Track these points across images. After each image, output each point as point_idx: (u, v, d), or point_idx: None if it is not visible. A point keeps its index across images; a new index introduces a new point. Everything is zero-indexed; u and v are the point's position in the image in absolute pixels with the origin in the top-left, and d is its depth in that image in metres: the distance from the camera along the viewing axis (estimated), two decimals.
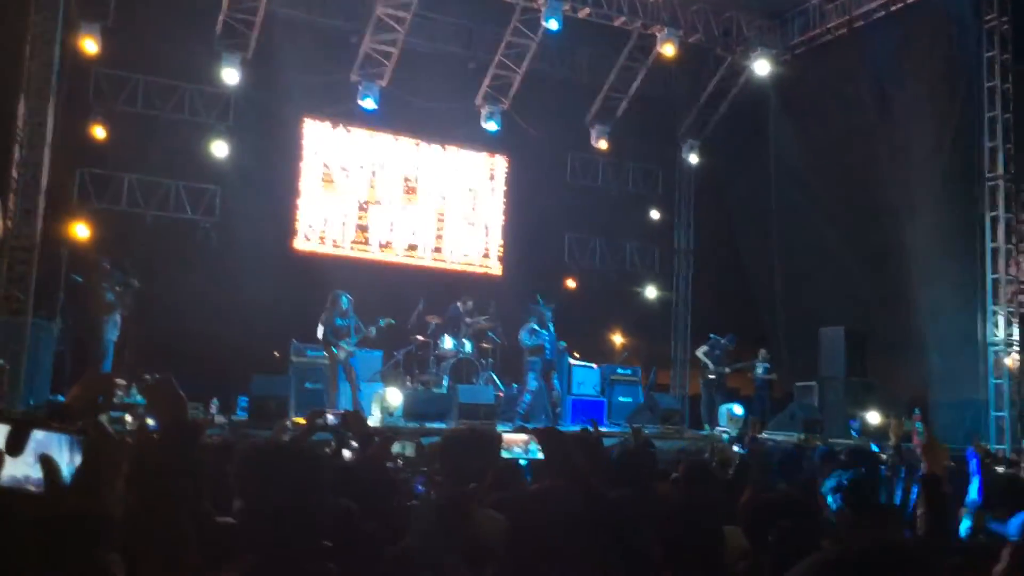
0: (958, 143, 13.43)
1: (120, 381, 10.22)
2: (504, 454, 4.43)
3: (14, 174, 10.81)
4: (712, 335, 14.60)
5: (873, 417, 12.62)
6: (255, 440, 4.89)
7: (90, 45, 12.76)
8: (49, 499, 1.49)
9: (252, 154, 14.33)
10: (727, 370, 14.54)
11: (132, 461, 1.66)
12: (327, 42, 14.91)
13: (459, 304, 13.89)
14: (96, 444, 1.56)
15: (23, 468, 1.55)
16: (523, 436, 4.35)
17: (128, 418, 6.94)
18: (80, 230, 13.02)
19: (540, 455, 3.53)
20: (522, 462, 4.70)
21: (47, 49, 11.03)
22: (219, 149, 14.14)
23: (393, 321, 12.83)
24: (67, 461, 1.55)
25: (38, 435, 1.56)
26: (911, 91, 13.77)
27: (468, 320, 13.91)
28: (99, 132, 13.49)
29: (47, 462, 1.51)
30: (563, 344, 13.74)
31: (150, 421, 2.12)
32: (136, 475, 1.66)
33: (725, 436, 11.52)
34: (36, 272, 10.84)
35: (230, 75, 13.85)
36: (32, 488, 1.52)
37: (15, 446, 1.54)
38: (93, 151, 13.54)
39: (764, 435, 11.93)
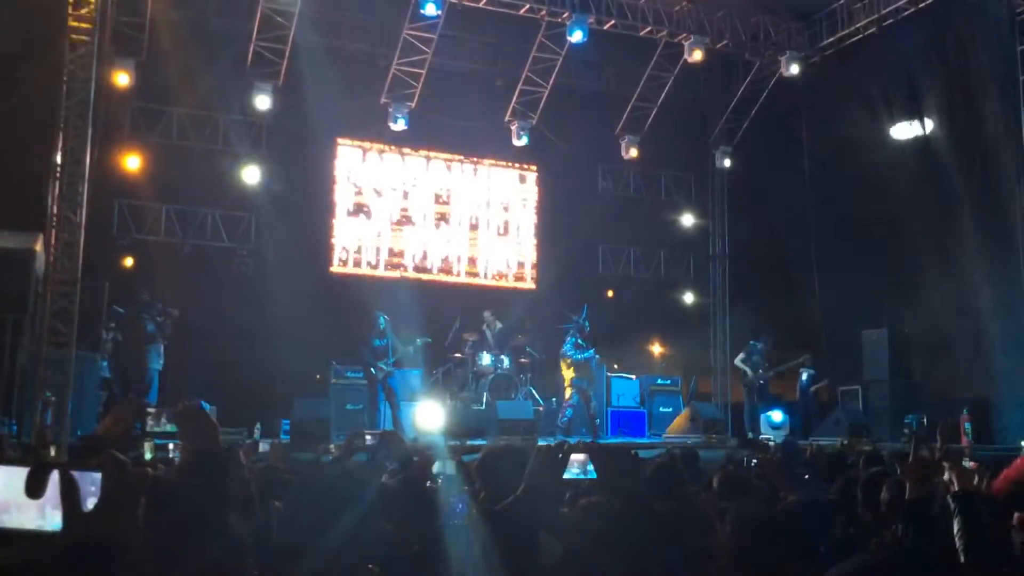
0: (996, 138, 13.15)
1: (150, 409, 10.37)
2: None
3: (54, 209, 11.01)
4: (751, 342, 14.41)
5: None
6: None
7: (124, 80, 13.04)
8: (68, 531, 1.51)
9: (285, 180, 14.52)
10: (770, 374, 14.20)
11: (162, 488, 1.67)
12: (356, 66, 15.04)
13: (484, 325, 13.95)
14: (114, 477, 1.57)
15: (46, 510, 1.57)
16: (581, 456, 4.25)
17: (171, 446, 7.02)
18: (121, 262, 13.24)
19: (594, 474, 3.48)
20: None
21: (83, 86, 11.24)
22: (252, 176, 14.31)
23: (430, 340, 12.89)
24: (90, 495, 1.57)
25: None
26: (943, 87, 13.54)
27: (492, 332, 13.91)
28: (135, 164, 13.76)
29: (67, 495, 1.53)
30: (598, 356, 13.67)
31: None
32: (165, 502, 1.68)
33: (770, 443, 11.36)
34: (79, 305, 11.00)
35: (262, 102, 14.05)
36: (51, 529, 1.54)
37: (35, 489, 1.57)
38: (130, 183, 13.80)
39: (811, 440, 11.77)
